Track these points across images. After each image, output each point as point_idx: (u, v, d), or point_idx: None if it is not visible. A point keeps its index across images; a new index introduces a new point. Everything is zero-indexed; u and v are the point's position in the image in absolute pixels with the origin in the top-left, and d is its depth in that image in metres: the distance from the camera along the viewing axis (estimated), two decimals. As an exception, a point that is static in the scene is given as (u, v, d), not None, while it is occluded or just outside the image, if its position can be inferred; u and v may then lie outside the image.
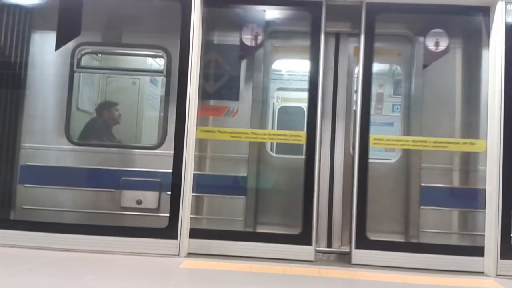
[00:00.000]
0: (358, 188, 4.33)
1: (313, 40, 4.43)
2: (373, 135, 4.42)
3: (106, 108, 5.46)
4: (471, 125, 4.54)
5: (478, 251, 4.21)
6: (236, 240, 4.35)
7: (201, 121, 4.52)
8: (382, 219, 4.69)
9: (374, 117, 7.21)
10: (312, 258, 4.28)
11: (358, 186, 4.33)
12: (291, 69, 6.96)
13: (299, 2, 4.50)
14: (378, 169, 4.81)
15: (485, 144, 4.30)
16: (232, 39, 4.74)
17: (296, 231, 4.50)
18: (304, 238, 4.31)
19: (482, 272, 4.18)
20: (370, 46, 4.41)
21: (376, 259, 4.25)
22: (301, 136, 4.44)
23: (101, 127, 5.21)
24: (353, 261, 4.27)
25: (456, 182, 4.59)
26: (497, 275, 4.04)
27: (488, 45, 4.33)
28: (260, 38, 4.60)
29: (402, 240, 4.66)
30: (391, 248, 4.29)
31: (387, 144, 4.62)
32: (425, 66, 4.67)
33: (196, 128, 4.39)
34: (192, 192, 4.38)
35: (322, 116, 4.40)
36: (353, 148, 4.39)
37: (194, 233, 4.33)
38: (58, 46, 4.59)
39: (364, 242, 4.30)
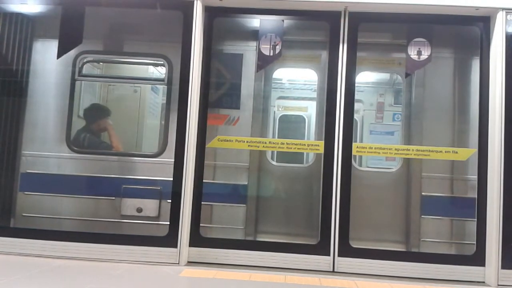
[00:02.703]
0: (340, 196, 4.33)
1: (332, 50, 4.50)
2: (355, 143, 4.46)
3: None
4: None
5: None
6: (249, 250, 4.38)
7: (202, 129, 4.53)
8: (382, 228, 4.70)
9: (374, 126, 7.33)
10: (330, 269, 4.28)
11: (341, 193, 4.33)
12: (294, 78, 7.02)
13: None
14: (379, 178, 4.82)
15: (469, 153, 4.36)
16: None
17: (297, 240, 4.52)
18: (322, 248, 4.32)
19: (483, 282, 4.17)
20: (353, 55, 4.45)
21: (361, 268, 4.26)
22: (319, 145, 4.46)
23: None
24: (336, 269, 4.27)
25: (457, 191, 4.58)
26: (498, 285, 4.03)
27: (488, 55, 4.35)
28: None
29: (402, 249, 4.66)
30: (376, 256, 4.29)
31: (370, 152, 4.62)
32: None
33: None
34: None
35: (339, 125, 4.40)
36: (336, 156, 4.38)
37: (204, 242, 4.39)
38: (60, 54, 4.61)
39: (347, 250, 4.30)
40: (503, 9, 4.23)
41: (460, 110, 4.70)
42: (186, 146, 4.27)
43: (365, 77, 6.79)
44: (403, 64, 4.69)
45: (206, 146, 4.52)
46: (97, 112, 5.17)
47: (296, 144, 4.60)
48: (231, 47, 4.88)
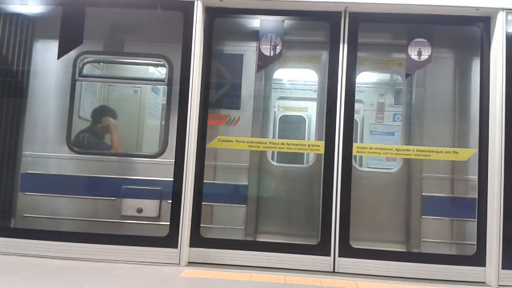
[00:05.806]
0: (341, 196, 4.32)
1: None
2: (356, 144, 4.44)
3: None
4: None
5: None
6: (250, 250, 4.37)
7: (202, 130, 4.53)
8: (382, 228, 4.70)
9: (375, 126, 7.34)
10: (331, 269, 4.28)
11: (341, 194, 4.32)
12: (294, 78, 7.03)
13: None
14: (380, 178, 4.82)
15: (469, 153, 4.36)
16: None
17: (298, 240, 4.52)
18: (323, 248, 4.31)
19: (484, 282, 4.17)
20: (353, 55, 4.45)
21: (361, 268, 4.25)
22: (319, 145, 4.46)
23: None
24: (337, 270, 4.26)
25: (457, 192, 4.58)
26: (499, 285, 4.03)
27: (488, 55, 4.35)
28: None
29: (403, 250, 4.66)
30: (377, 256, 4.28)
31: (370, 153, 4.62)
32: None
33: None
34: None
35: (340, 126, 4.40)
36: (337, 157, 4.38)
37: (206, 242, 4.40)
38: (60, 54, 4.61)
39: (347, 250, 4.29)
40: (503, 9, 4.23)
41: (460, 110, 4.70)
42: (187, 147, 4.27)
43: (366, 78, 6.80)
44: (403, 64, 4.69)
45: (207, 146, 4.52)
46: (101, 112, 5.17)
47: (296, 145, 4.60)
48: (232, 48, 4.89)
